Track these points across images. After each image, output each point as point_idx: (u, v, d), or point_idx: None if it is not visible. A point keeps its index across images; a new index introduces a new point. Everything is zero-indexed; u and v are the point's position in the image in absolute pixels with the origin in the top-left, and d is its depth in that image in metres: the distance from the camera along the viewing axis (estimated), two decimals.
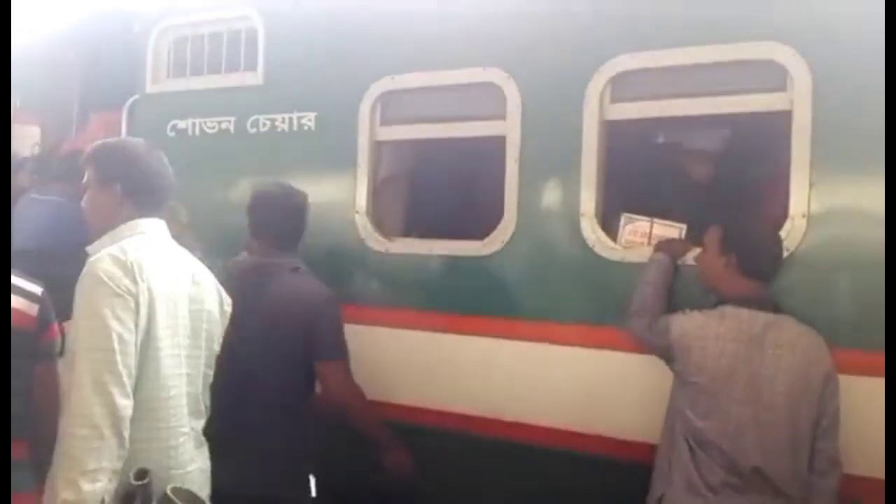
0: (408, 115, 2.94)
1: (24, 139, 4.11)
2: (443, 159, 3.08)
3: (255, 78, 3.20)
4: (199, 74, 3.35)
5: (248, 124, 3.19)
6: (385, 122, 2.96)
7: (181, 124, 3.33)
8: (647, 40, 2.50)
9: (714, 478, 2.10)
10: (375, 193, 2.98)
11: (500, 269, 2.74)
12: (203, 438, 2.01)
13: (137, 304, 1.75)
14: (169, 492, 1.70)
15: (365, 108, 2.94)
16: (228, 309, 2.10)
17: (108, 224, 1.91)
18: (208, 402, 2.04)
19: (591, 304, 2.59)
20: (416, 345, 2.85)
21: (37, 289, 2.01)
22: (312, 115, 3.07)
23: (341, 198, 3.00)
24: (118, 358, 1.69)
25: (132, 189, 1.92)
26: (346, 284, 2.99)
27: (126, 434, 1.69)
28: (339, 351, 2.54)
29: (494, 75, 2.73)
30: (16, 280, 1.97)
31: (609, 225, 2.61)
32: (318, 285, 2.58)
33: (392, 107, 2.96)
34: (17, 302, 1.93)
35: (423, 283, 2.88)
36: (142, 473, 1.70)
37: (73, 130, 4.25)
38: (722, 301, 2.23)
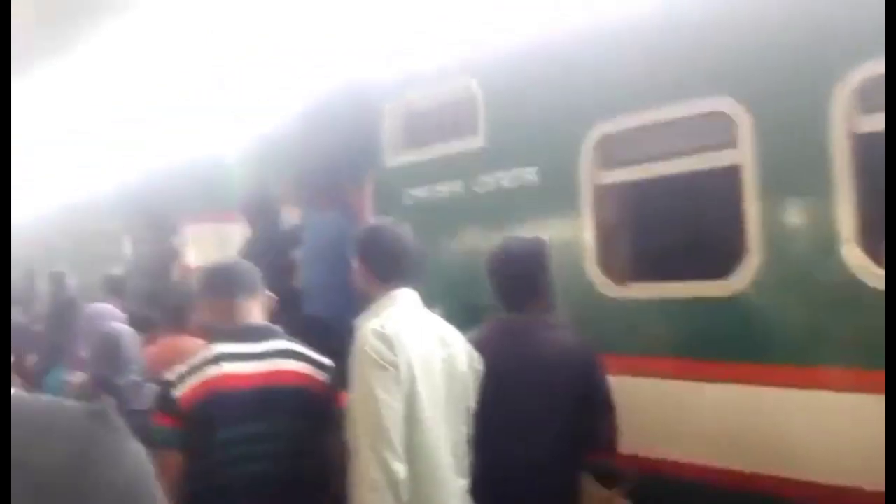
0: (628, 155, 2.90)
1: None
2: (670, 197, 2.97)
3: (477, 141, 3.38)
4: (428, 144, 3.62)
5: (475, 185, 3.36)
6: (606, 165, 2.95)
7: (416, 192, 3.61)
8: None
9: None
10: (603, 239, 2.95)
11: (748, 308, 2.53)
12: (468, 497, 2.08)
13: (399, 374, 1.92)
14: None
15: (585, 155, 2.96)
16: (479, 367, 2.17)
17: (368, 295, 2.16)
18: (468, 461, 2.10)
19: (862, 342, 2.27)
20: (657, 393, 2.73)
21: (326, 361, 2.13)
22: (534, 168, 3.15)
23: (569, 246, 3.01)
24: (388, 425, 1.87)
25: (380, 267, 2.15)
26: (582, 333, 2.97)
27: (405, 497, 1.83)
28: (612, 406, 2.43)
29: (720, 103, 2.59)
30: (305, 350, 2.12)
31: (875, 250, 2.30)
32: (582, 341, 2.48)
33: (612, 150, 2.94)
34: (307, 368, 2.07)
35: (663, 329, 2.77)
36: None
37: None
38: None
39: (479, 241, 3.40)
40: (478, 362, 2.18)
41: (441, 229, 3.54)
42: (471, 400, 2.13)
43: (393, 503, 1.82)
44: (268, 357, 2.03)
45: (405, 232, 2.20)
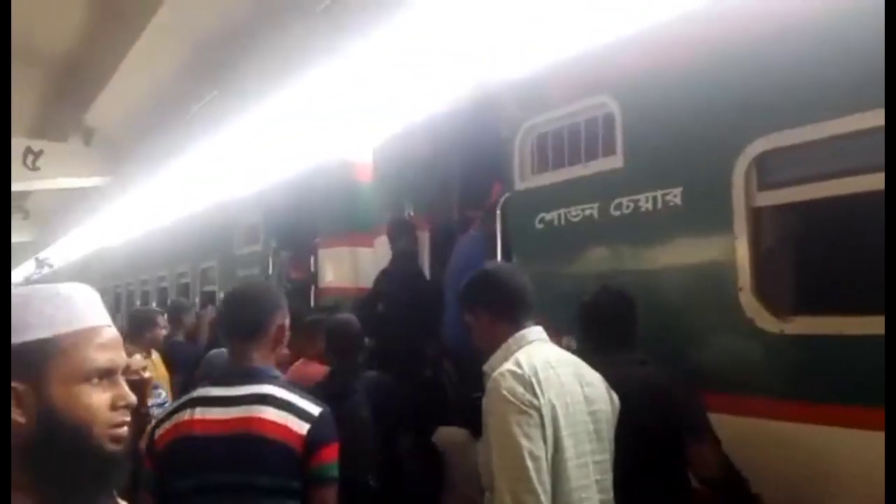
0: (793, 174, 2.59)
1: (420, 245, 4.71)
2: (842, 221, 2.61)
3: (615, 161, 3.17)
4: (561, 167, 3.46)
5: (612, 208, 3.15)
6: (764, 186, 2.65)
7: (548, 216, 3.45)
8: None
9: None
10: (761, 266, 2.65)
11: None
12: None
13: (542, 417, 1.78)
14: None
15: (739, 174, 2.67)
16: (618, 406, 2.05)
17: (491, 344, 2.04)
18: None
19: None
20: (826, 443, 2.39)
21: (315, 409, 1.90)
22: (678, 189, 2.90)
23: (720, 274, 2.73)
24: (533, 475, 1.72)
25: (504, 307, 2.05)
26: (734, 371, 2.68)
27: None
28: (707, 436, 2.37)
29: None
30: (291, 396, 1.91)
31: None
32: (665, 376, 2.47)
33: (772, 168, 2.64)
34: (283, 417, 1.85)
35: (834, 370, 2.42)
36: None
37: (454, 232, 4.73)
38: None
39: (614, 268, 3.20)
40: (617, 402, 2.05)
41: (574, 255, 3.35)
42: (611, 442, 1.99)
43: None
44: (243, 403, 1.87)
45: (518, 270, 2.23)
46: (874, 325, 2.32)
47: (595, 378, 2.02)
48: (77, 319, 1.05)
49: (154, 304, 9.30)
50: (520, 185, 3.67)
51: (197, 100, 8.44)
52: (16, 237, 16.49)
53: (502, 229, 3.80)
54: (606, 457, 1.93)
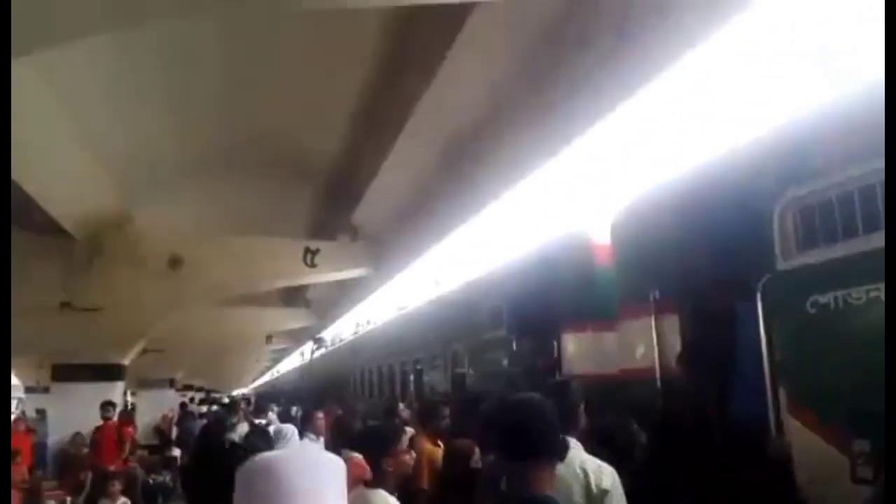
0: None
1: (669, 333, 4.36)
2: None
3: None
4: (834, 242, 3.01)
5: None
6: None
7: (822, 299, 2.99)
8: None
9: None
10: None
11: None
12: None
13: None
14: None
15: None
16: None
17: None
18: None
19: None
20: None
21: None
22: None
23: None
24: None
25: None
26: None
27: None
28: None
29: None
30: None
31: None
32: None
33: None
34: None
35: None
36: None
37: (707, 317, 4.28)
38: None
39: None
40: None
41: (859, 345, 2.84)
42: None
43: None
44: None
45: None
46: None
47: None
48: None
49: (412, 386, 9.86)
50: (783, 265, 3.25)
51: (445, 195, 9.01)
52: (299, 323, 19.17)
53: (764, 314, 3.38)
54: None
